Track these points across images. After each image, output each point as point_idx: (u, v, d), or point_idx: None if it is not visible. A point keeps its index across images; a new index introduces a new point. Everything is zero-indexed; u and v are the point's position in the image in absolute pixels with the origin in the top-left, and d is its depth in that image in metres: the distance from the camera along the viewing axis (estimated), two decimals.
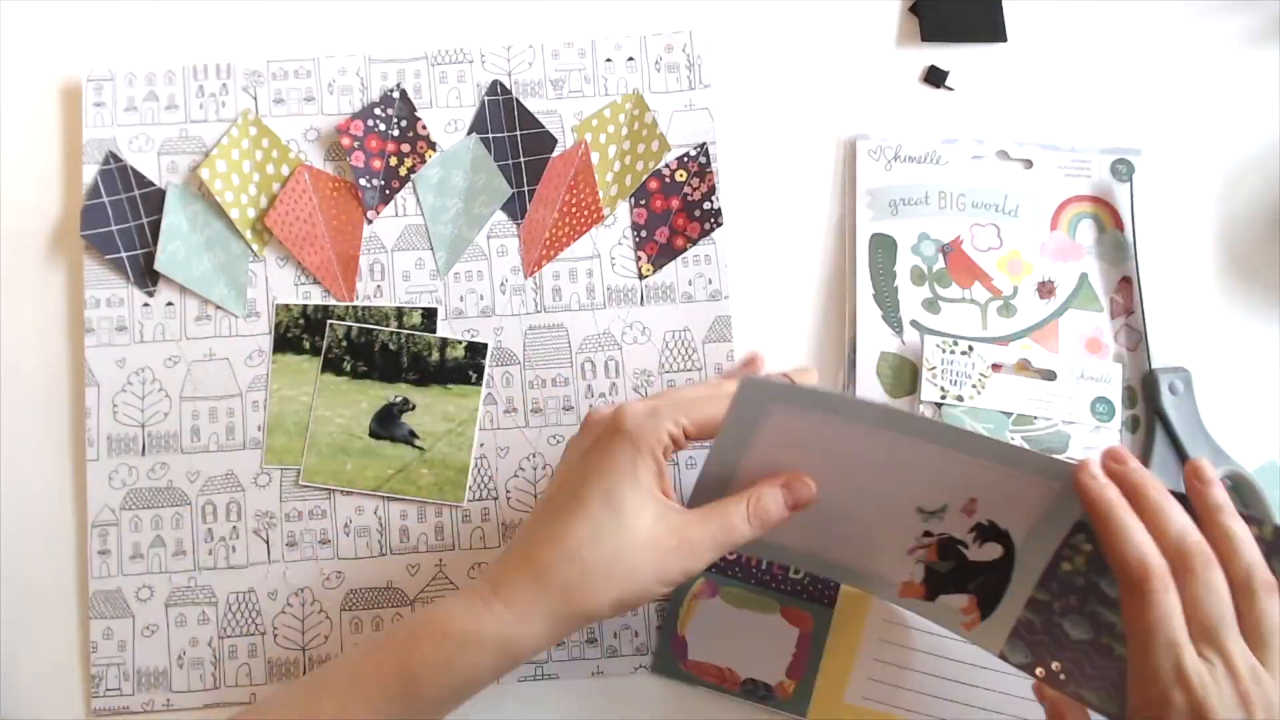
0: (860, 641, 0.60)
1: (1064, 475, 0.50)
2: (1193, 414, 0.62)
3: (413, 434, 0.63)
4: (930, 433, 0.50)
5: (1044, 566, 0.52)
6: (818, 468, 0.52)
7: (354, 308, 0.64)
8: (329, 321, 0.63)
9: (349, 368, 0.63)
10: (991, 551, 0.53)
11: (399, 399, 0.63)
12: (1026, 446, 0.61)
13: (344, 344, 0.63)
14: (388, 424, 0.63)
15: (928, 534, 0.53)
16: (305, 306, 0.64)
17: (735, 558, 0.62)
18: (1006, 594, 0.53)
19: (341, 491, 0.62)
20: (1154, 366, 0.63)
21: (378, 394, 0.63)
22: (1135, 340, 0.64)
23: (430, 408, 0.63)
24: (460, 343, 0.64)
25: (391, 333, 0.63)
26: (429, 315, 0.64)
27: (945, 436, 0.50)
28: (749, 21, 0.68)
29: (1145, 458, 0.62)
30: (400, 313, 0.64)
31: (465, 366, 0.64)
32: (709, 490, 0.52)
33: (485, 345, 0.64)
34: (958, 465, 0.51)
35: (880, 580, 0.56)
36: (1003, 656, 0.54)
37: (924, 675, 0.60)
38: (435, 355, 0.63)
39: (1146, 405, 0.63)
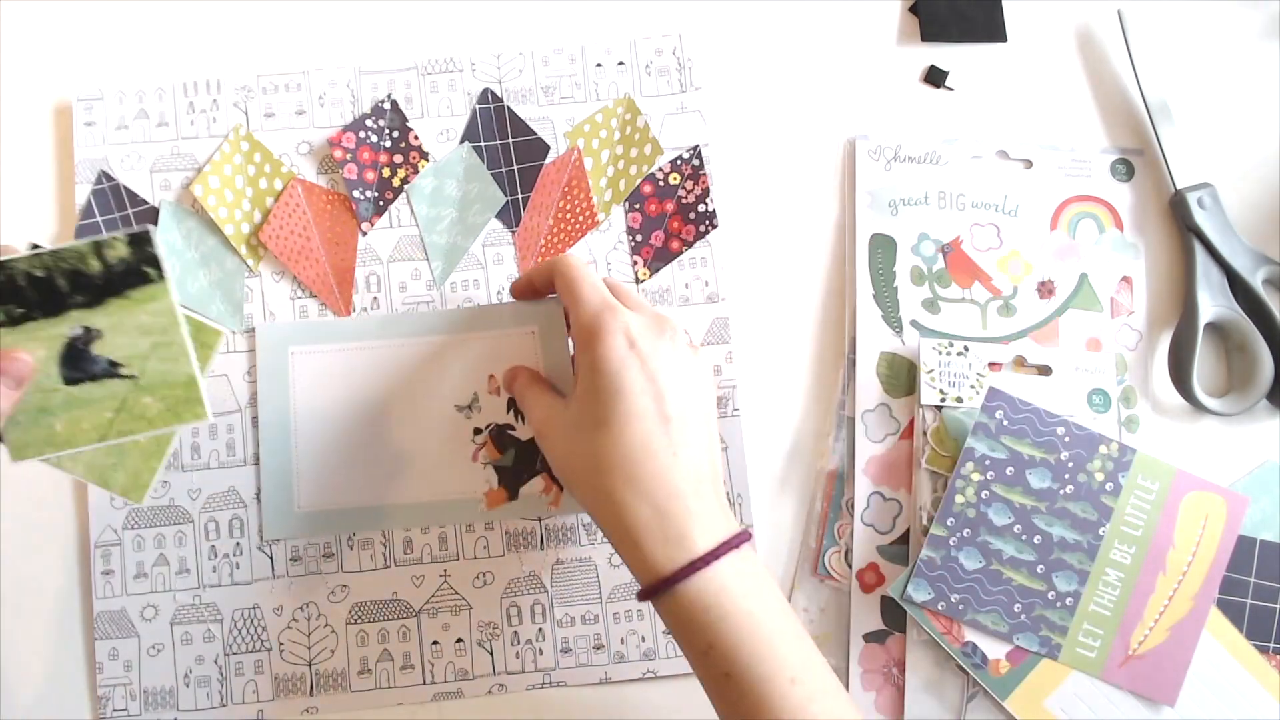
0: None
1: (534, 316, 0.60)
2: (1224, 223, 0.63)
3: (113, 364, 0.52)
4: (421, 325, 0.60)
5: None
6: (354, 402, 0.60)
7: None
8: None
9: (2, 316, 0.51)
10: None
11: (78, 330, 0.51)
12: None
13: None
14: (80, 363, 0.52)
15: (477, 431, 0.60)
16: None
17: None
18: None
19: (67, 457, 0.53)
20: (1178, 187, 0.64)
21: (50, 334, 0.51)
22: (1135, 340, 0.63)
23: (118, 327, 0.51)
24: (118, 238, 0.50)
25: (29, 257, 0.50)
26: (136, 240, 0.51)
27: (436, 324, 0.61)
28: (750, 22, 0.67)
29: (1190, 281, 0.63)
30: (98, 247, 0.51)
31: (135, 265, 0.51)
32: None
33: (148, 232, 0.50)
34: (460, 348, 0.60)
35: (465, 504, 0.61)
36: (907, 599, 0.59)
37: None
38: (95, 263, 0.51)
39: (1180, 225, 0.64)
